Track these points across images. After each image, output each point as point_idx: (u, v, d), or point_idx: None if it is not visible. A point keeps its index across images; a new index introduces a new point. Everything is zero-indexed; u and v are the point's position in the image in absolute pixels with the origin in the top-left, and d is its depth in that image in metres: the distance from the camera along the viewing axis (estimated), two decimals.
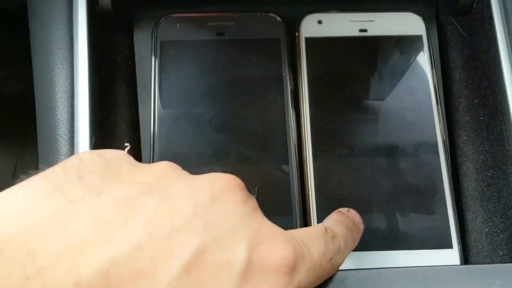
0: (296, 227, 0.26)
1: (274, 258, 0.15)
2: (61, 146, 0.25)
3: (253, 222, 0.16)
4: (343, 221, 0.21)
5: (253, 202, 0.17)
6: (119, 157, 0.16)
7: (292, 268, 0.15)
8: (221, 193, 0.15)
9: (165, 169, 0.16)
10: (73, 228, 0.13)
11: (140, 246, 0.13)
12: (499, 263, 0.26)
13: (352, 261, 0.26)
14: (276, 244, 0.16)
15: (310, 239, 0.18)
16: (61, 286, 0.11)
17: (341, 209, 0.22)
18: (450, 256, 0.26)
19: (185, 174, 0.17)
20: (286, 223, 0.26)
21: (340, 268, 0.25)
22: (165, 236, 0.13)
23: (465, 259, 0.27)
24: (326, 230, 0.19)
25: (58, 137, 0.26)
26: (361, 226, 0.22)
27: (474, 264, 0.26)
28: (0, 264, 0.11)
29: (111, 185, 0.14)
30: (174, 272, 0.13)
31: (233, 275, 0.14)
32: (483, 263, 0.26)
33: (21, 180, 0.14)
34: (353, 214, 0.22)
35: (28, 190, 0.13)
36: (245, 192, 0.16)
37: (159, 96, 0.29)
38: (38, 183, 0.14)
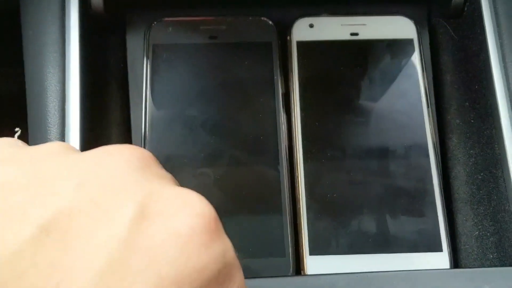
0: (286, 229, 0.26)
1: (180, 206, 0.13)
2: None
3: (149, 184, 0.14)
4: None
5: (150, 164, 0.15)
6: (3, 142, 0.15)
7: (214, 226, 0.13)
8: (104, 154, 0.14)
9: (53, 148, 0.15)
10: None
11: None
12: (488, 266, 0.26)
13: (342, 265, 0.26)
14: (181, 199, 0.13)
15: None
16: None
17: None
18: (440, 259, 0.26)
19: (75, 152, 0.15)
20: (276, 225, 0.26)
21: (330, 272, 0.25)
22: (16, 199, 0.13)
23: (455, 262, 0.27)
24: None
25: (49, 140, 0.26)
26: None
27: (464, 267, 0.26)
28: None
29: None
30: (27, 232, 0.12)
31: (117, 230, 0.12)
32: (473, 266, 0.26)
33: None
34: None
35: None
36: (141, 159, 0.15)
37: (151, 99, 0.29)
38: None
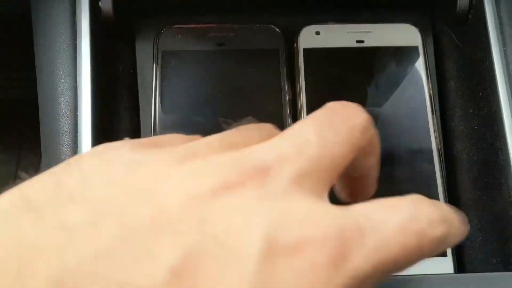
0: None
1: (306, 239, 0.12)
2: (64, 155, 0.26)
3: (276, 204, 0.12)
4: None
5: (280, 183, 0.13)
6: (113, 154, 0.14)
7: (340, 254, 0.12)
8: (227, 185, 0.12)
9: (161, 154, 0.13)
10: (29, 237, 0.11)
11: (109, 251, 0.11)
12: (492, 271, 0.26)
13: None
14: (310, 222, 0.12)
15: (381, 207, 0.13)
16: None
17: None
18: (444, 264, 0.26)
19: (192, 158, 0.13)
20: None
21: None
22: (142, 238, 0.11)
23: (459, 267, 0.27)
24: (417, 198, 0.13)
25: (62, 147, 0.26)
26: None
27: (468, 272, 0.27)
28: None
29: (92, 185, 0.12)
30: (158, 278, 0.11)
31: (245, 272, 0.11)
32: (477, 271, 0.27)
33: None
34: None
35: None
36: (263, 179, 0.13)
37: (160, 105, 0.30)
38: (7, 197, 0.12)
